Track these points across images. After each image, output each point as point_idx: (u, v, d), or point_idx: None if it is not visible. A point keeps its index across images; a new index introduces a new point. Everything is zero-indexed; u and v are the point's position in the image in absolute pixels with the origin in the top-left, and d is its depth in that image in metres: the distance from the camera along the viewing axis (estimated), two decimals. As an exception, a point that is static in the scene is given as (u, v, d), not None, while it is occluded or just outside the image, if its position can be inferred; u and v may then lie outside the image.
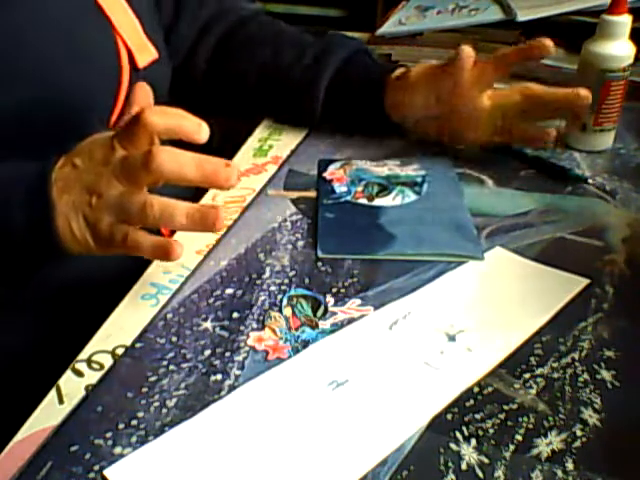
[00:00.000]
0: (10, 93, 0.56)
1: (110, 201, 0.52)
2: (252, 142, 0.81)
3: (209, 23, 0.83)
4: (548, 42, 0.70)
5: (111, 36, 0.66)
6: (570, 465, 0.42)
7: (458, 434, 0.44)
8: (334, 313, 0.54)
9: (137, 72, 0.68)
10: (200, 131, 0.51)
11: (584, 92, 0.70)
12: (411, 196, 0.68)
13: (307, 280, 0.58)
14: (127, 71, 0.66)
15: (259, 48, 0.82)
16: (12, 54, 0.57)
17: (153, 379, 0.48)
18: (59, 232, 0.52)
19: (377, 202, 0.67)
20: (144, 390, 0.47)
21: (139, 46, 0.68)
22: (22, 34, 0.57)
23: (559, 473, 0.42)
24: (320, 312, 0.54)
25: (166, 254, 0.52)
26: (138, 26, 0.69)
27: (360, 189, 0.69)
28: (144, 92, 0.61)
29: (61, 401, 0.47)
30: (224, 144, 0.75)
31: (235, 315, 0.54)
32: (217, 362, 0.50)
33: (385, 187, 0.70)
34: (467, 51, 0.71)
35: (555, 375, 0.49)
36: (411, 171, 0.73)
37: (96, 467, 0.42)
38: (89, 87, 0.62)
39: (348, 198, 0.68)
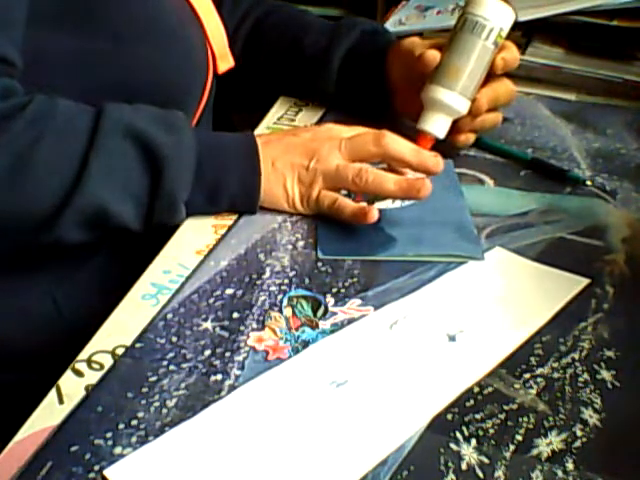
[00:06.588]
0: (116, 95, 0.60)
1: (328, 167, 0.62)
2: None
3: (247, 11, 0.86)
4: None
5: (204, 41, 0.70)
6: (570, 465, 0.42)
7: (458, 434, 0.44)
8: (334, 313, 0.54)
9: (215, 77, 0.71)
10: None
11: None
12: (411, 197, 0.68)
13: (307, 280, 0.58)
14: (211, 76, 0.70)
15: (285, 31, 0.84)
16: (114, 55, 0.61)
17: (153, 379, 0.48)
18: (264, 186, 0.62)
19: (377, 205, 0.67)
20: (144, 390, 0.47)
21: (222, 54, 0.73)
22: (124, 34, 0.62)
23: (559, 473, 0.42)
24: (320, 312, 0.54)
25: (365, 218, 0.61)
26: (224, 35, 0.73)
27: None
28: None
29: (61, 401, 0.47)
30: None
31: (235, 315, 0.54)
32: (217, 362, 0.50)
33: None
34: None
35: (555, 375, 0.49)
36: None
37: (96, 467, 0.42)
38: (184, 84, 0.67)
39: None
